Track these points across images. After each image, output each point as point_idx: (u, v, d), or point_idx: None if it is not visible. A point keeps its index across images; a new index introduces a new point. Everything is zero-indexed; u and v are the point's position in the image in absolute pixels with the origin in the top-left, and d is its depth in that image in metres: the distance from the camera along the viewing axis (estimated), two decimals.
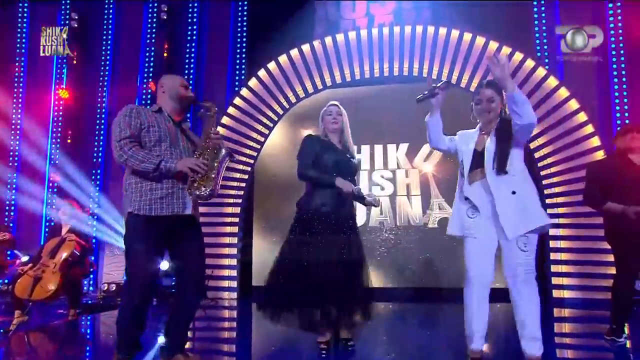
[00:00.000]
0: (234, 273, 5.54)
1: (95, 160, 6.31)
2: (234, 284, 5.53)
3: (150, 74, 6.24)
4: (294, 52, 5.73)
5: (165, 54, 6.25)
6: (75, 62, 6.38)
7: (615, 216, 2.78)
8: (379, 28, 5.64)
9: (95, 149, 6.35)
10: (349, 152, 2.75)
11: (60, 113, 6.40)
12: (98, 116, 6.38)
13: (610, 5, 5.13)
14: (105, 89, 6.39)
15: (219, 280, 5.51)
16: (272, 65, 5.75)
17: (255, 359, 2.97)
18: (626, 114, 5.02)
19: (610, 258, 3.02)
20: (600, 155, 4.75)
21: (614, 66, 5.11)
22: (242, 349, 3.29)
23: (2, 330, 3.65)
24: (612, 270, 3.14)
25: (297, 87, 5.74)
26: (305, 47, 5.72)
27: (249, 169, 5.67)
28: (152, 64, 6.27)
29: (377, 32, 5.63)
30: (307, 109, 5.62)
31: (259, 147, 5.73)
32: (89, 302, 5.28)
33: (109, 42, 6.48)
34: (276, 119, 5.76)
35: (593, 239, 4.53)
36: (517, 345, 2.17)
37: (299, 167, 2.64)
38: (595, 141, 4.89)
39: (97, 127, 6.36)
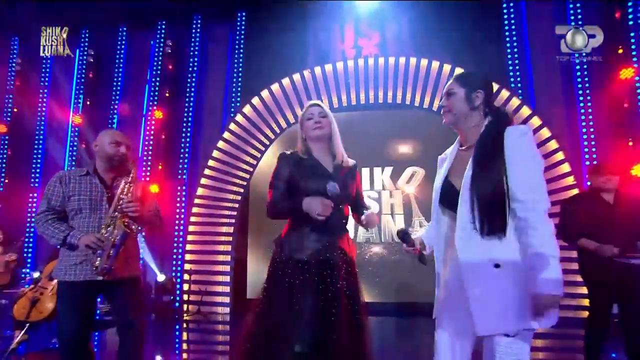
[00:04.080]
0: (227, 289, 5.88)
1: None
2: (227, 299, 5.87)
3: (156, 101, 6.75)
4: (286, 81, 6.14)
5: (167, 89, 6.71)
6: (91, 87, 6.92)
7: (589, 252, 2.79)
8: (364, 59, 6.02)
9: None
10: (343, 170, 1.96)
11: (76, 134, 6.97)
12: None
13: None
14: (115, 113, 6.92)
15: (212, 295, 5.85)
16: (265, 94, 6.18)
17: None
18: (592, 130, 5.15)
19: (580, 278, 2.97)
20: (571, 180, 4.94)
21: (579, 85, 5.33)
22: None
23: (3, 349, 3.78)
24: (582, 290, 3.16)
25: (288, 112, 6.14)
26: (296, 77, 6.13)
27: (242, 190, 6.06)
28: (157, 92, 6.76)
29: (363, 62, 6.01)
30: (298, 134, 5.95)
31: (251, 169, 6.12)
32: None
33: (120, 71, 7.06)
34: (268, 143, 6.16)
35: (563, 260, 4.65)
36: None
37: (267, 202, 1.95)
38: (566, 167, 5.06)
39: None
